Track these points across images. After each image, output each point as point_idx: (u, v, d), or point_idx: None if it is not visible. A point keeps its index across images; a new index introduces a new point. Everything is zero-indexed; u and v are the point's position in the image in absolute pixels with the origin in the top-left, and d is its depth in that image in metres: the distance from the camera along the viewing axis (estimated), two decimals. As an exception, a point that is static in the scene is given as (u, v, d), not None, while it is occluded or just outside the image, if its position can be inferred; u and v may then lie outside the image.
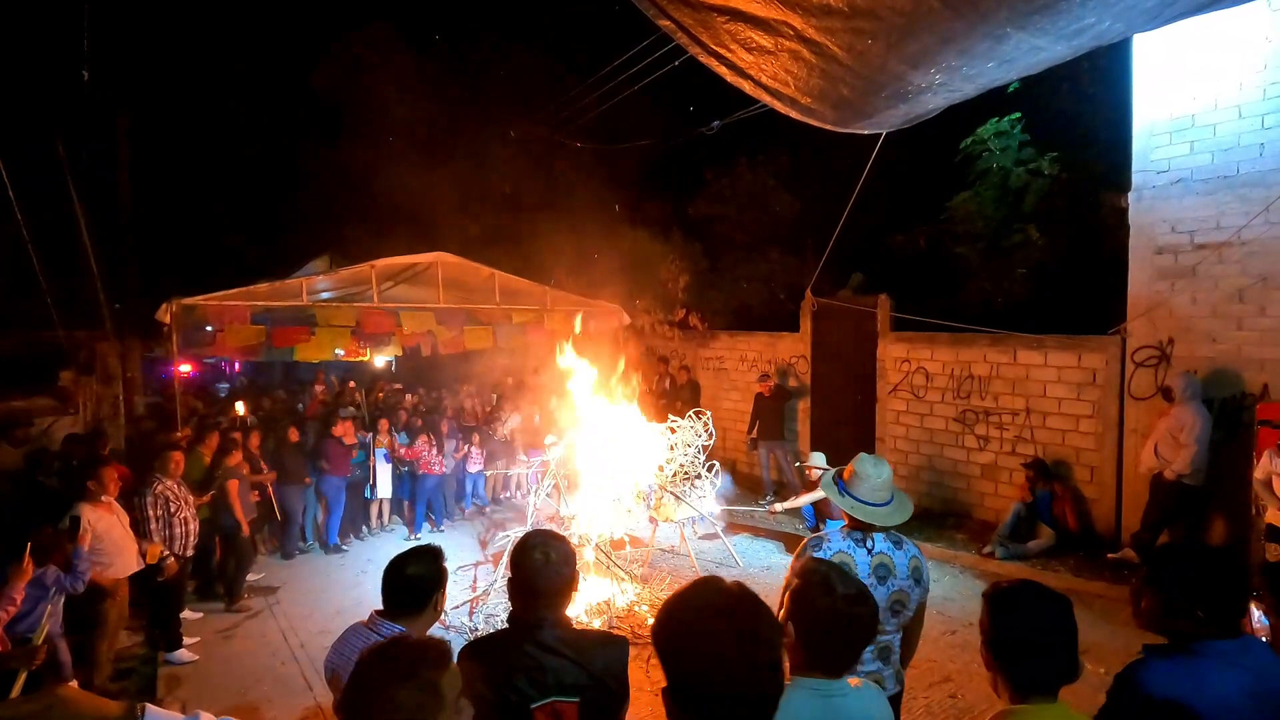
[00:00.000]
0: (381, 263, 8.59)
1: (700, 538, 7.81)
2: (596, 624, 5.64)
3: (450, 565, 2.38)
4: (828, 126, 4.00)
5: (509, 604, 2.09)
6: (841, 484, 2.82)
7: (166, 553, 5.37)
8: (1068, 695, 1.70)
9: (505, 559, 6.64)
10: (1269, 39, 5.93)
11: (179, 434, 7.21)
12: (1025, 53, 3.08)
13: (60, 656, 4.27)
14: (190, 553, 5.70)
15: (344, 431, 8.15)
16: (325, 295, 9.28)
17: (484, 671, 1.92)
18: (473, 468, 9.48)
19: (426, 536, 8.60)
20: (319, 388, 12.25)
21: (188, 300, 7.39)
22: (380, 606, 2.30)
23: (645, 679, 4.92)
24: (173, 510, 5.45)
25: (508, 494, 10.31)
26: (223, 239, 15.36)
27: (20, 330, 9.96)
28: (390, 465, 8.68)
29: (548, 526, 5.65)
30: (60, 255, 9.38)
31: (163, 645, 5.54)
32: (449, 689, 1.38)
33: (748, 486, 10.09)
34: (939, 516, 8.15)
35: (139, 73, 12.86)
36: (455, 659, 1.50)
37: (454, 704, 1.39)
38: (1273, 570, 4.95)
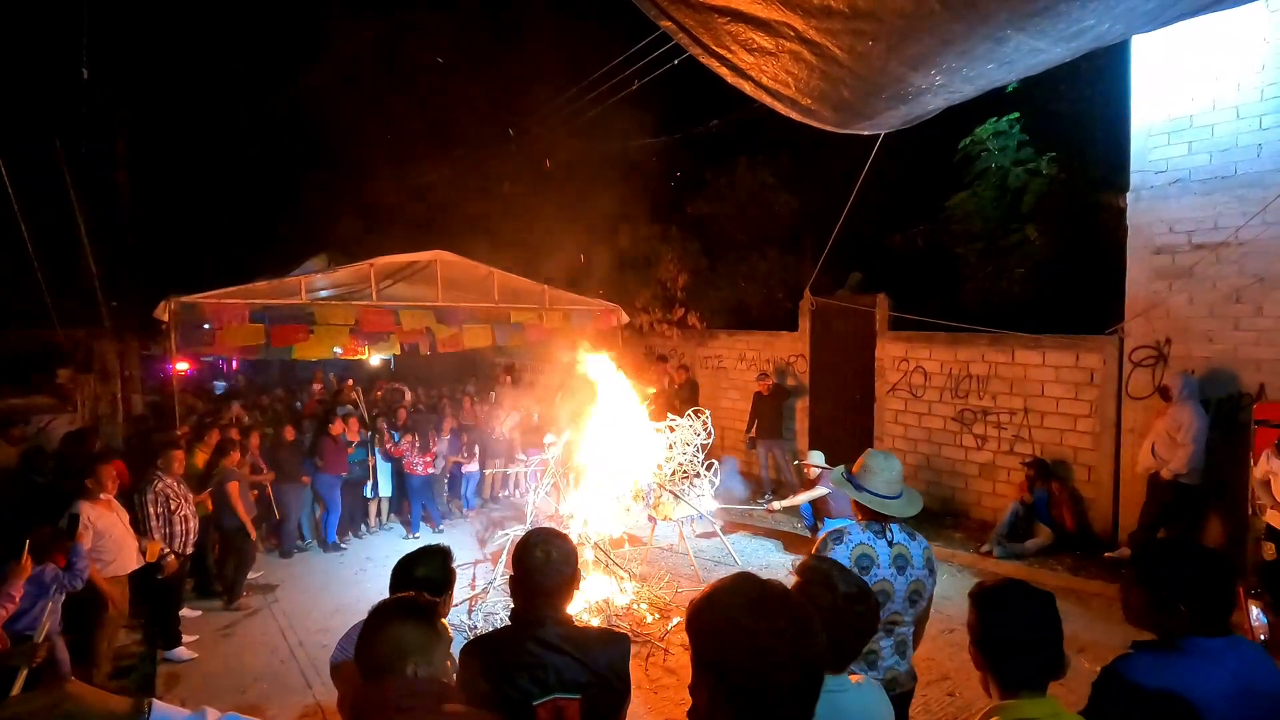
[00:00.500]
0: (380, 261, 8.59)
1: (698, 536, 7.82)
2: (596, 622, 5.65)
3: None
4: (828, 127, 4.00)
5: (509, 602, 2.10)
6: (854, 479, 2.85)
7: (166, 550, 5.37)
8: (1066, 694, 1.72)
9: (504, 557, 6.66)
10: (1267, 40, 5.95)
11: (178, 432, 7.21)
12: (1025, 54, 3.09)
13: (58, 654, 4.28)
14: (190, 550, 5.71)
15: (344, 430, 8.15)
16: (324, 293, 9.27)
17: (486, 668, 1.93)
18: (465, 468, 9.44)
19: (428, 536, 8.60)
20: (317, 386, 12.24)
21: (186, 298, 7.38)
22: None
23: (644, 676, 4.94)
24: (173, 508, 5.46)
25: (505, 492, 10.31)
26: (221, 237, 15.35)
27: (18, 328, 9.95)
28: (390, 464, 8.70)
29: (547, 525, 5.66)
30: (59, 253, 9.37)
31: (161, 643, 5.55)
32: (445, 636, 1.68)
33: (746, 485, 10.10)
34: (937, 515, 8.17)
35: (138, 72, 12.83)
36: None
37: (447, 649, 1.68)
38: (1271, 569, 4.98)
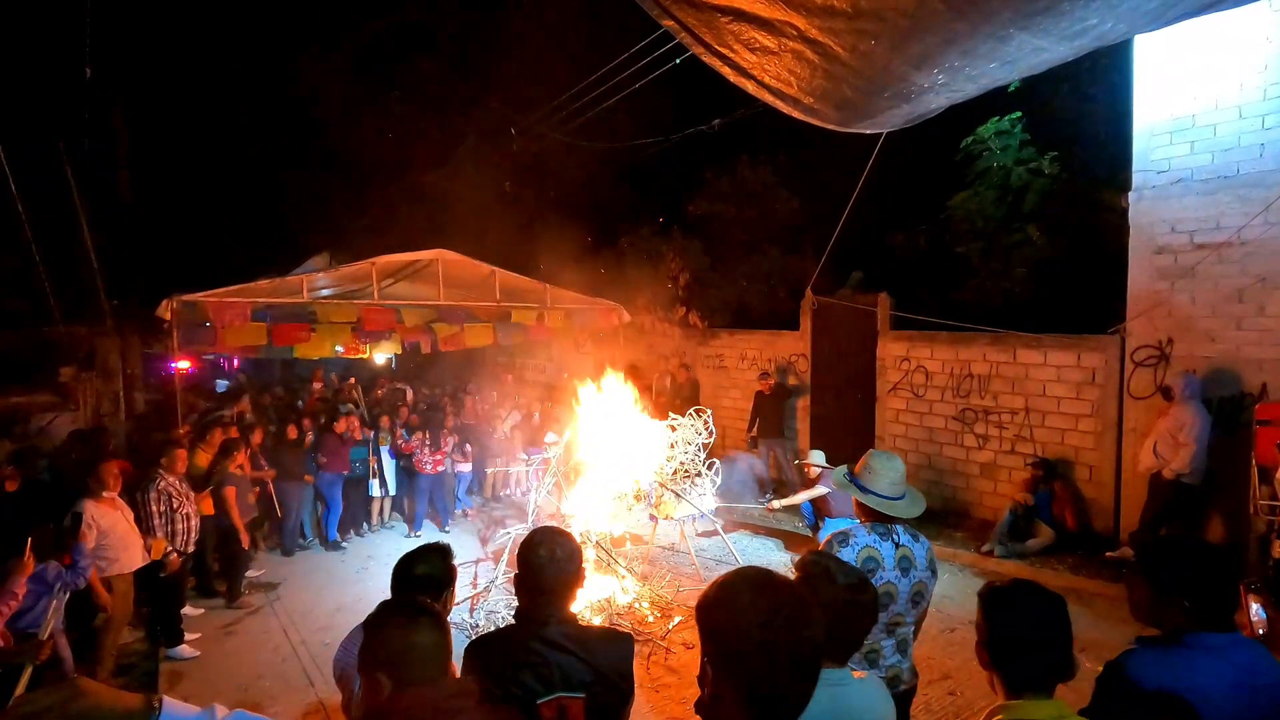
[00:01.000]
0: (382, 260, 8.59)
1: (699, 535, 7.83)
2: (598, 621, 5.65)
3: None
4: (830, 126, 4.00)
5: (511, 600, 2.11)
6: (857, 480, 2.85)
7: (170, 549, 5.39)
8: (1067, 693, 1.72)
9: (506, 556, 6.66)
10: (1270, 39, 5.94)
11: (180, 431, 7.22)
12: (1028, 53, 3.09)
13: (61, 651, 4.29)
14: (192, 549, 5.72)
15: (345, 428, 8.16)
16: (325, 292, 9.28)
17: (490, 667, 1.94)
18: (459, 467, 9.40)
19: (431, 534, 8.60)
20: (317, 385, 12.25)
21: (188, 297, 7.39)
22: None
23: (646, 675, 4.94)
24: (175, 506, 5.47)
25: (507, 491, 10.31)
26: (223, 236, 15.36)
27: (21, 326, 9.97)
28: (394, 462, 8.70)
29: (550, 524, 5.66)
30: (61, 252, 9.38)
31: (164, 640, 5.56)
32: (447, 637, 1.66)
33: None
34: (938, 515, 8.17)
35: (139, 70, 12.85)
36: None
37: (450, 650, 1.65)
38: (1277, 566, 4.97)
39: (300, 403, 11.03)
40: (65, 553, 4.21)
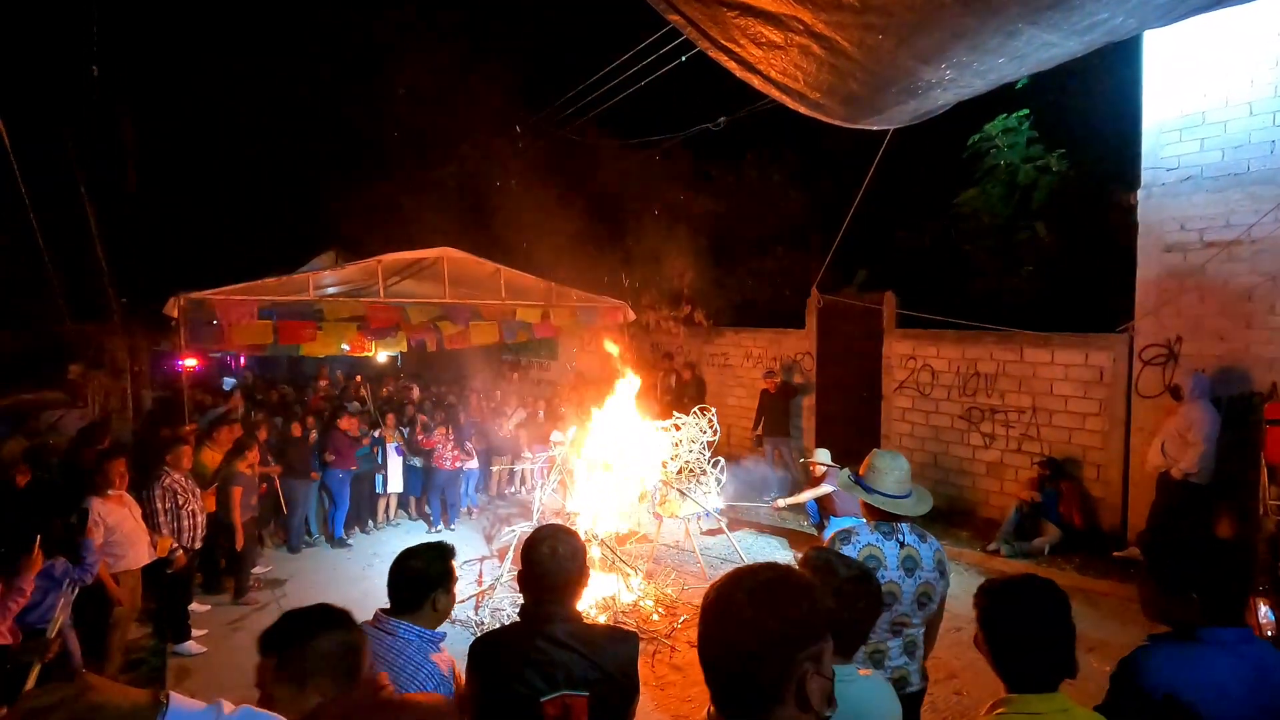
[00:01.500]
0: (388, 258, 8.61)
1: (704, 533, 7.82)
2: (602, 619, 5.65)
3: (456, 560, 2.35)
4: (836, 122, 3.98)
5: (516, 598, 2.11)
6: (862, 481, 2.83)
7: (176, 545, 5.40)
8: (1076, 695, 1.70)
9: (511, 554, 6.67)
10: (1281, 35, 5.89)
11: (186, 428, 7.25)
12: (1037, 48, 3.06)
13: (70, 647, 4.31)
14: (198, 545, 5.74)
15: (349, 425, 8.18)
16: (331, 290, 9.30)
17: (494, 664, 1.93)
18: (466, 465, 9.39)
19: (437, 533, 8.62)
20: (323, 382, 12.29)
21: (195, 295, 7.41)
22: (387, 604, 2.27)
23: (650, 673, 4.94)
24: (180, 503, 5.49)
25: (512, 489, 10.32)
26: (230, 234, 15.42)
27: (30, 324, 10.03)
28: (401, 459, 8.71)
29: (554, 521, 5.66)
30: (69, 251, 9.43)
31: (171, 636, 5.58)
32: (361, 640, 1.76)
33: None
34: (943, 514, 8.13)
35: (146, 68, 12.89)
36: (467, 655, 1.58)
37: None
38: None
39: (306, 399, 11.09)
40: (71, 549, 4.23)
